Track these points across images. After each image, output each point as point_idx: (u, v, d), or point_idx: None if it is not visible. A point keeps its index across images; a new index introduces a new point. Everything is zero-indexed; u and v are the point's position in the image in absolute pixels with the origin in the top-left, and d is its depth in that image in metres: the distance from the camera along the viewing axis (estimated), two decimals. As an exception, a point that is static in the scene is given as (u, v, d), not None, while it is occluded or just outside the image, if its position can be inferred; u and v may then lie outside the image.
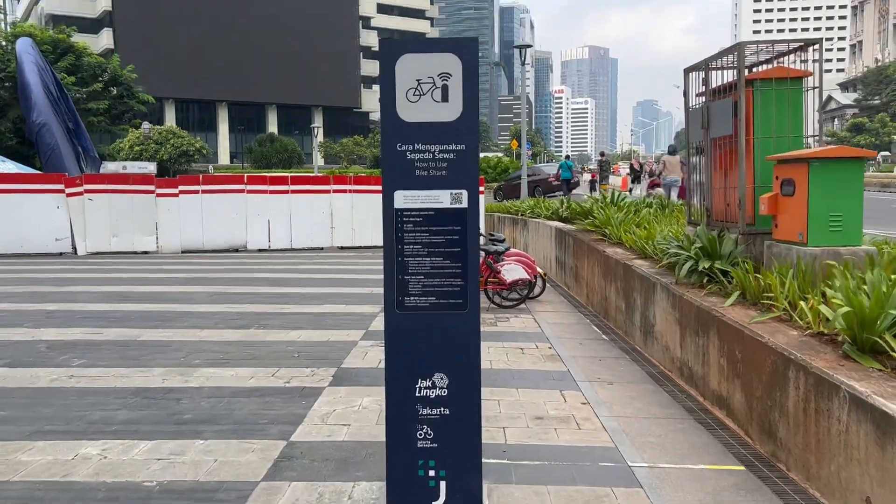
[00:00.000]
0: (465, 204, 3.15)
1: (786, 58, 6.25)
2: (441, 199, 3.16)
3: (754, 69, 6.44)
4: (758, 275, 5.19)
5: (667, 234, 7.56)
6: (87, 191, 16.68)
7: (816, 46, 5.91)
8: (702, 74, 6.72)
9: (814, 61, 5.84)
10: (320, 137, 65.40)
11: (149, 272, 13.11)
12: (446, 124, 3.11)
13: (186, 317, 8.35)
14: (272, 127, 72.13)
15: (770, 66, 6.27)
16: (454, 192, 3.16)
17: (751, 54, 6.10)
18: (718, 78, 6.52)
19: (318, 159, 60.75)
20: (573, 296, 10.28)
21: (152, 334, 7.36)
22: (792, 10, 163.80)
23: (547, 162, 54.42)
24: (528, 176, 29.42)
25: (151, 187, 17.12)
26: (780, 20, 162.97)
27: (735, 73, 6.05)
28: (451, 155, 3.13)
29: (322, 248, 17.87)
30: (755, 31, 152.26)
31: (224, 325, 7.89)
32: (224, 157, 71.05)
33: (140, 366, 6.09)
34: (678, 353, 5.84)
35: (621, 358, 6.54)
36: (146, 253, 16.90)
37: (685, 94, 7.06)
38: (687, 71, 7.00)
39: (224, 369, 5.95)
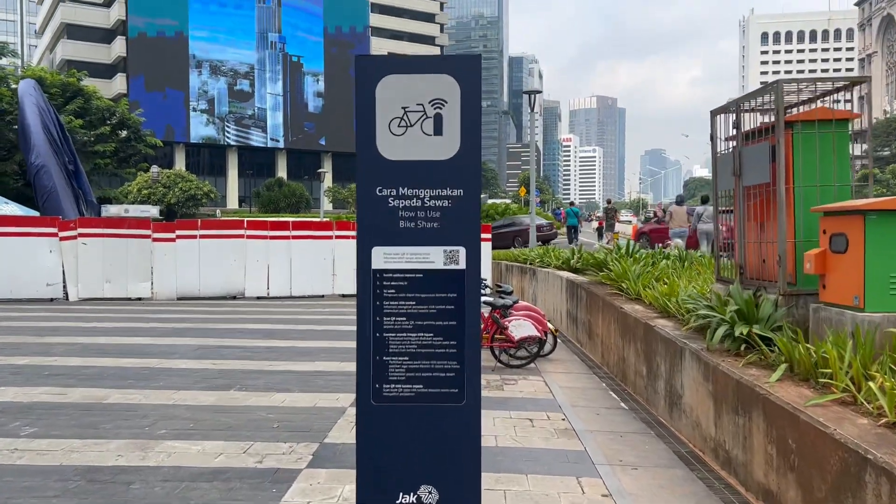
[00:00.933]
0: (462, 265, 2.44)
1: (820, 100, 5.64)
2: (432, 257, 2.45)
3: (789, 111, 5.82)
4: (809, 345, 4.45)
5: (692, 291, 6.85)
6: (80, 234, 16.15)
7: (864, 87, 5.29)
8: (732, 117, 6.08)
9: (862, 103, 5.21)
10: (329, 182, 65.35)
11: (137, 321, 12.42)
12: (439, 164, 2.42)
13: (163, 374, 7.62)
14: (281, 171, 72.25)
15: (809, 108, 5.65)
16: (449, 249, 2.45)
17: (790, 93, 5.47)
18: (750, 121, 5.89)
19: (326, 204, 60.55)
20: (586, 354, 9.51)
21: (120, 396, 6.64)
22: (799, 62, 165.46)
23: (555, 209, 53.83)
24: (507, 226, 28.83)
25: (147, 231, 16.58)
26: (787, 72, 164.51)
27: (769, 114, 5.43)
28: (445, 202, 2.43)
29: (323, 296, 17.19)
30: (762, 82, 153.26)
31: (203, 384, 7.16)
32: (233, 202, 71.05)
33: (97, 437, 5.35)
34: (712, 432, 5.05)
35: (645, 433, 5.75)
36: (140, 299, 16.26)
37: (712, 138, 6.43)
38: (714, 113, 6.38)
39: (190, 443, 5.20)
